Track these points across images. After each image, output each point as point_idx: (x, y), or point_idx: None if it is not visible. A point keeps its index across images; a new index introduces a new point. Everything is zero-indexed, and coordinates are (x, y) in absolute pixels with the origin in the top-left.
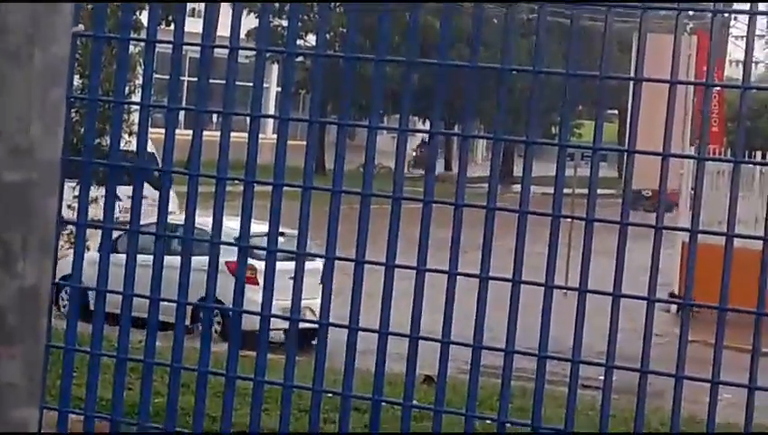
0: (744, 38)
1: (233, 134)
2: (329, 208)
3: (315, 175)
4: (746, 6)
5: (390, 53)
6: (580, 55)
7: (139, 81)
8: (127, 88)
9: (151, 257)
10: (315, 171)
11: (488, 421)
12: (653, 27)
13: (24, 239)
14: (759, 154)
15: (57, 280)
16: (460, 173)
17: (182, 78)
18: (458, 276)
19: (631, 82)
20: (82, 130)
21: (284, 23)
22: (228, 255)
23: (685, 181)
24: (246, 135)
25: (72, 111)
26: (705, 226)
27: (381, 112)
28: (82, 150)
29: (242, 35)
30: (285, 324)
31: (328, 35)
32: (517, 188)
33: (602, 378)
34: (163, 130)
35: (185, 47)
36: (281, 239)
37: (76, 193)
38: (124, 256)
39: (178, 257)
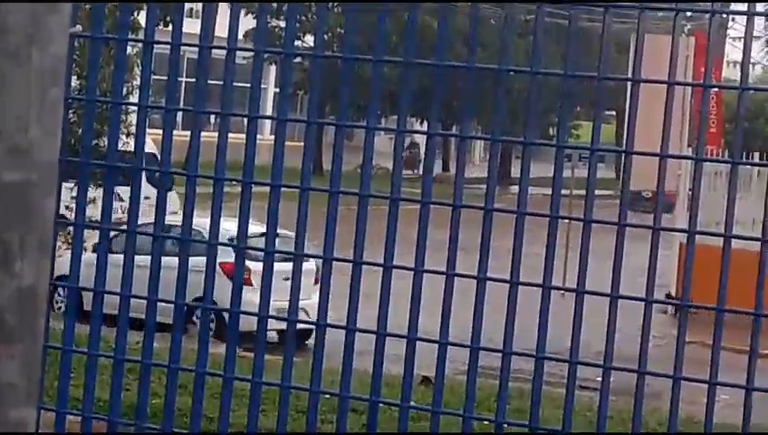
0: (742, 39)
1: (230, 135)
2: (326, 209)
3: (313, 176)
4: (744, 7)
5: (388, 53)
6: (577, 56)
7: (137, 81)
8: (125, 89)
9: (146, 258)
10: (313, 172)
11: (486, 422)
12: (651, 28)
13: (22, 239)
14: (757, 155)
15: (52, 281)
16: (458, 174)
17: (180, 79)
18: (456, 277)
19: (629, 83)
20: (80, 130)
21: (282, 23)
22: (222, 256)
23: (682, 182)
24: (244, 136)
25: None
26: (702, 227)
27: (379, 113)
28: (80, 151)
29: (239, 36)
30: (279, 325)
31: (326, 36)
32: (515, 189)
33: (600, 379)
34: (161, 131)
35: (183, 48)
36: (276, 240)
37: (74, 194)
38: (119, 256)
39: (172, 258)
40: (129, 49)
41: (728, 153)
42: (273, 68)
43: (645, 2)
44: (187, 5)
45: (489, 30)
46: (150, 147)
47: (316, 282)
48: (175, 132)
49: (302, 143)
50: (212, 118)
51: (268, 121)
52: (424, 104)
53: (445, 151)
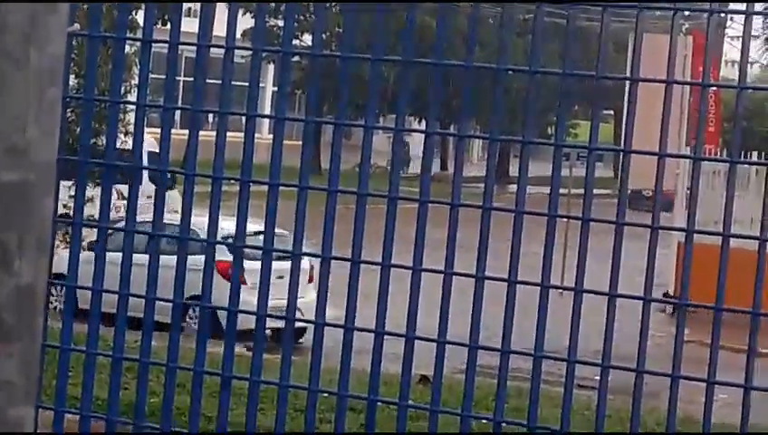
0: (740, 38)
1: (229, 134)
2: (325, 208)
3: (311, 175)
4: (742, 7)
5: (387, 52)
6: (576, 55)
7: (135, 80)
8: (123, 88)
9: (140, 256)
10: (311, 171)
11: (484, 421)
12: (649, 27)
13: (20, 238)
14: (755, 154)
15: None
16: (456, 173)
17: (178, 78)
18: (454, 276)
19: (627, 82)
20: (78, 129)
21: (280, 23)
22: (216, 254)
23: (680, 181)
24: (242, 135)
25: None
26: (700, 226)
27: (377, 112)
28: (78, 150)
29: (238, 35)
30: (273, 323)
31: (324, 35)
32: (513, 188)
33: (598, 378)
34: (160, 130)
35: (181, 47)
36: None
37: (72, 193)
38: (112, 254)
39: (167, 257)
40: (127, 48)
41: (726, 152)
42: (271, 67)
43: (643, 1)
44: (186, 4)
45: (487, 29)
46: (153, 145)
47: (310, 280)
48: (173, 131)
49: (301, 142)
50: (210, 117)
51: (266, 120)
52: (422, 103)
53: (443, 150)
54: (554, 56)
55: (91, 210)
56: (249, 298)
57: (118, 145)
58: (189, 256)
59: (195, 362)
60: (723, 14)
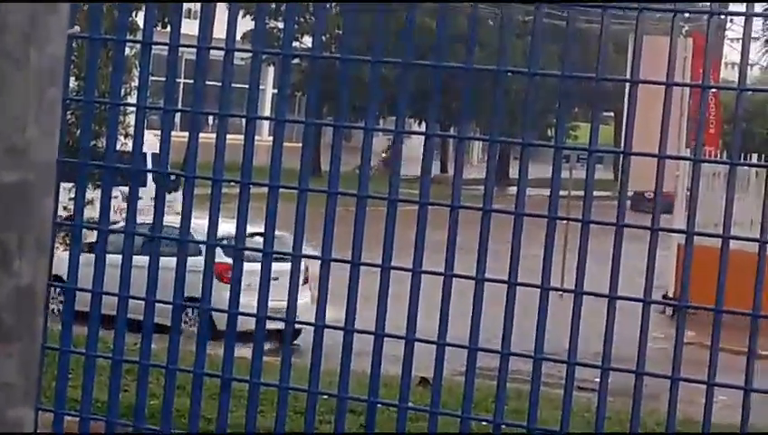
0: (740, 40)
1: (229, 136)
2: (324, 210)
3: (311, 177)
4: (742, 8)
5: (386, 54)
6: (575, 57)
7: (135, 82)
8: (123, 90)
9: (138, 258)
10: (311, 173)
11: (484, 423)
12: (649, 29)
13: (20, 239)
14: (755, 156)
15: None
16: (456, 175)
17: (178, 80)
18: (454, 278)
19: (627, 84)
20: (78, 131)
21: (280, 25)
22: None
23: (680, 183)
24: (242, 137)
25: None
26: (700, 228)
27: (377, 114)
28: (78, 152)
29: (238, 37)
30: (267, 324)
31: (324, 37)
32: (513, 189)
33: (598, 380)
34: (181, 134)
35: (181, 49)
36: (262, 240)
37: (72, 195)
38: (109, 256)
39: (164, 258)
40: (127, 50)
41: (726, 154)
42: (271, 69)
43: (643, 3)
44: (186, 6)
45: (487, 31)
46: (156, 147)
47: (305, 282)
48: (173, 133)
49: (301, 144)
50: (210, 119)
51: (266, 122)
52: (422, 105)
53: (443, 152)
54: (554, 58)
55: (92, 213)
56: (244, 299)
57: (118, 147)
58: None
59: (194, 364)
60: (723, 16)
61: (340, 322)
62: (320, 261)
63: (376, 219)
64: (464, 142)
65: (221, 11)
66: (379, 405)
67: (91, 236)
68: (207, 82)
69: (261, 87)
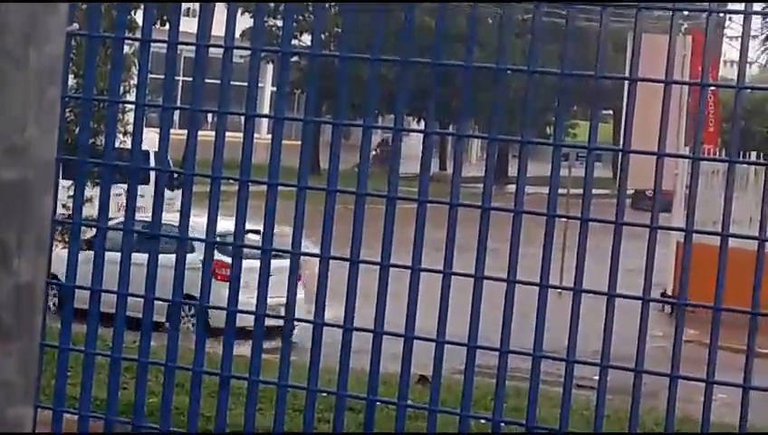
0: (739, 38)
1: (228, 134)
2: (324, 208)
3: (310, 174)
4: (741, 7)
5: (385, 52)
6: (575, 55)
7: (134, 80)
8: (122, 87)
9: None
10: (310, 171)
11: (483, 421)
12: (648, 27)
13: (19, 237)
14: (754, 154)
15: None
16: (455, 173)
17: (177, 77)
18: (453, 276)
19: (626, 82)
20: (77, 129)
21: (279, 22)
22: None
23: (679, 181)
24: (241, 135)
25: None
26: (699, 226)
27: (376, 112)
28: (77, 150)
29: (236, 35)
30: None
31: (323, 35)
32: (512, 187)
33: (597, 378)
34: (180, 132)
35: (180, 47)
36: (256, 237)
37: (71, 193)
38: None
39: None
40: (126, 48)
41: (725, 152)
42: (270, 67)
43: (642, 1)
44: (184, 4)
45: (487, 29)
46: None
47: (299, 279)
48: (172, 131)
49: (300, 142)
50: (209, 117)
51: (265, 120)
52: (421, 103)
53: (442, 150)
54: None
55: (91, 210)
56: (240, 296)
57: (117, 145)
58: (173, 256)
59: (193, 361)
60: (722, 14)
61: (338, 319)
62: (319, 259)
63: (375, 217)
64: (463, 140)
65: (220, 9)
66: (377, 403)
67: (87, 233)
68: (206, 80)
69: (260, 85)
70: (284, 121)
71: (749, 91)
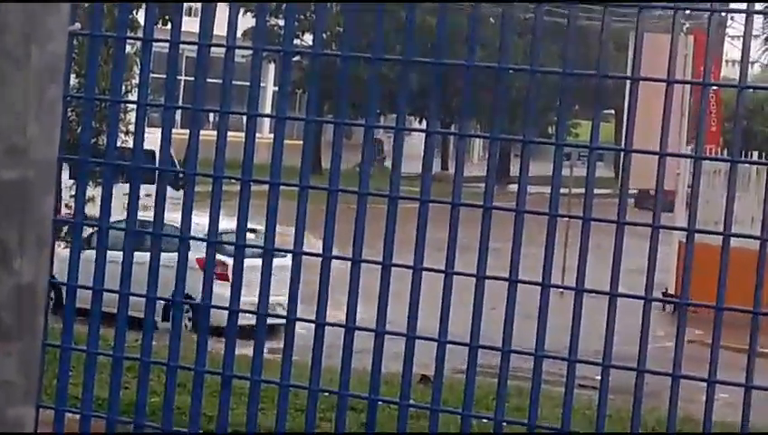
0: (741, 38)
1: (229, 133)
2: (326, 207)
3: (312, 174)
4: (743, 6)
5: (387, 52)
6: (576, 55)
7: (136, 80)
8: (123, 87)
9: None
10: (312, 170)
11: (485, 421)
12: (650, 27)
13: (20, 237)
14: (756, 154)
15: None
16: (457, 172)
17: (179, 77)
18: (455, 276)
19: (628, 82)
20: (79, 128)
21: (281, 22)
22: (198, 251)
23: (681, 181)
24: (243, 134)
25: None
26: (701, 225)
27: (378, 112)
28: (79, 149)
29: (238, 35)
30: (250, 319)
31: (324, 35)
32: (514, 187)
33: (599, 377)
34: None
35: (181, 46)
36: (251, 236)
37: (73, 192)
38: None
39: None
40: (128, 47)
41: (727, 152)
42: (271, 66)
43: (644, 0)
44: (186, 4)
45: (488, 29)
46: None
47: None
48: (174, 131)
49: (302, 141)
50: (211, 116)
51: (267, 120)
52: (422, 103)
53: (444, 150)
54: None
55: (92, 210)
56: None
57: (119, 144)
58: (168, 254)
59: (195, 361)
60: (723, 14)
61: (340, 319)
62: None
63: (377, 217)
64: (464, 140)
65: (222, 9)
66: (379, 403)
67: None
68: (208, 80)
69: (262, 84)
70: (286, 121)
71: (751, 90)
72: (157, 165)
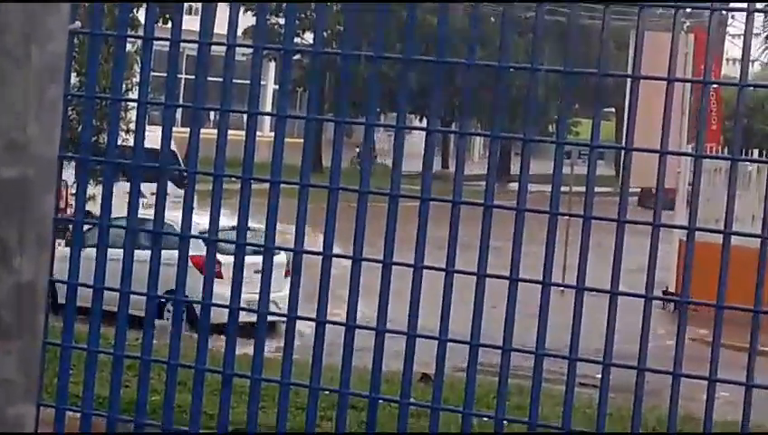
0: (741, 36)
1: (230, 132)
2: (326, 205)
3: (312, 172)
4: (743, 5)
5: (388, 50)
6: (577, 53)
7: (137, 78)
8: (124, 85)
9: (120, 251)
10: (313, 169)
11: (485, 419)
12: (650, 25)
13: (20, 235)
14: (756, 152)
15: None
16: (457, 171)
17: (179, 75)
18: (456, 274)
19: (629, 80)
20: (79, 127)
21: (281, 21)
22: (192, 249)
23: (682, 179)
24: (243, 133)
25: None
26: (702, 223)
27: (378, 110)
28: (80, 148)
29: (239, 33)
30: (250, 317)
31: (325, 33)
32: (514, 185)
33: (599, 376)
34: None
35: (182, 45)
36: (248, 234)
37: (73, 191)
38: (92, 250)
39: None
40: (128, 46)
41: (728, 150)
42: (272, 65)
43: None
44: (187, 3)
45: (489, 28)
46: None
47: (287, 274)
48: (174, 129)
49: (302, 140)
50: (211, 114)
51: (267, 118)
52: (423, 101)
53: (444, 148)
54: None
55: (93, 208)
56: (226, 292)
57: (119, 143)
58: (169, 251)
59: (196, 359)
60: (724, 12)
61: (341, 317)
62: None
63: (377, 215)
64: (465, 138)
65: (222, 7)
66: (380, 401)
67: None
68: (209, 78)
69: (262, 83)
70: (287, 119)
71: (751, 88)
72: (159, 163)
